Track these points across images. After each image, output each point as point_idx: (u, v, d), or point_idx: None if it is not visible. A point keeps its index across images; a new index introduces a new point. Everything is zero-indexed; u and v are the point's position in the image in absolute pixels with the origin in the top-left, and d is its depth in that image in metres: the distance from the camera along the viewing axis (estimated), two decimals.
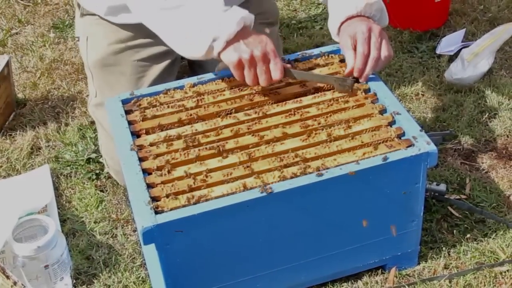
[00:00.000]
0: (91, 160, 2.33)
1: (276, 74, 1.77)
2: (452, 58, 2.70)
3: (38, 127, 2.52)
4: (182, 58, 2.44)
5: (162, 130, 1.79)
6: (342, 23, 1.90)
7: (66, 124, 2.53)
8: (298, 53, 2.00)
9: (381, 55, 1.83)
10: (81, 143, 2.42)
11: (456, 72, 2.58)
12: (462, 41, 2.77)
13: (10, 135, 2.49)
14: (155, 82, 2.14)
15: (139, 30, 2.06)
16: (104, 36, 2.15)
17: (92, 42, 2.19)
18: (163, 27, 1.85)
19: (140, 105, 1.86)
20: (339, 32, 1.91)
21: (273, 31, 2.36)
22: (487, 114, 2.44)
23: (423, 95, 2.56)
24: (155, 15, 1.83)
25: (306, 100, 1.85)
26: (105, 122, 2.13)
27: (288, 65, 1.89)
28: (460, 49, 2.70)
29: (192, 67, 2.40)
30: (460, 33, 2.80)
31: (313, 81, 1.88)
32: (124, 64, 2.15)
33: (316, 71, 1.93)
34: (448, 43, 2.76)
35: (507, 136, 2.36)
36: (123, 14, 2.08)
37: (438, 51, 2.75)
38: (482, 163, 2.27)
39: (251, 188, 1.62)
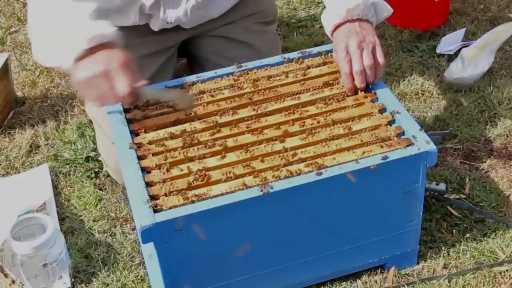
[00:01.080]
0: (90, 158, 2.33)
1: (121, 89, 1.68)
2: (452, 58, 2.70)
3: (37, 125, 2.52)
4: (180, 55, 2.45)
5: (161, 129, 1.78)
6: (333, 32, 1.90)
7: (65, 123, 2.53)
8: (298, 51, 2.00)
9: (367, 68, 1.83)
10: (80, 142, 2.41)
11: (456, 71, 2.57)
12: (462, 41, 2.76)
13: (9, 133, 2.49)
14: (152, 80, 2.14)
15: (128, 32, 2.02)
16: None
17: None
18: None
19: (138, 102, 1.85)
20: (333, 38, 1.92)
21: (271, 29, 2.36)
22: (487, 113, 2.44)
23: (423, 94, 2.55)
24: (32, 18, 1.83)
25: (305, 97, 1.85)
26: (102, 121, 2.13)
27: (142, 83, 1.76)
28: (460, 49, 2.69)
29: (191, 66, 2.39)
30: (460, 32, 2.80)
31: (162, 99, 1.84)
32: None
33: (316, 70, 1.92)
34: (448, 43, 2.75)
35: (507, 136, 2.36)
36: (116, 16, 2.05)
37: (438, 51, 2.74)
38: (482, 162, 2.26)
39: (250, 187, 1.62)
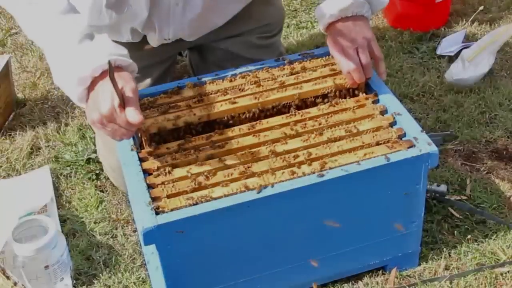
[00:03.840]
0: (91, 160, 2.33)
1: (135, 118, 1.55)
2: (452, 59, 2.70)
3: (38, 127, 2.52)
4: (180, 54, 2.44)
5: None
6: (327, 29, 1.91)
7: (66, 124, 2.53)
8: (298, 53, 2.00)
9: (365, 64, 1.84)
10: (81, 143, 2.41)
11: (457, 72, 2.58)
12: (463, 42, 2.77)
13: (10, 135, 2.49)
14: (153, 84, 2.14)
15: (125, 45, 2.04)
16: None
17: None
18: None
19: (140, 105, 1.85)
20: (328, 37, 1.92)
21: (276, 40, 2.31)
22: (487, 114, 2.44)
23: (423, 95, 2.56)
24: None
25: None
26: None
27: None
28: (461, 50, 2.70)
29: (193, 68, 2.39)
30: (461, 33, 2.81)
31: None
32: None
33: (317, 72, 1.92)
34: (448, 44, 2.76)
35: (508, 137, 2.36)
36: (110, 32, 2.01)
37: (438, 52, 2.75)
38: (483, 164, 2.26)
39: (252, 189, 1.62)
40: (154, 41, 2.03)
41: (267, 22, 2.24)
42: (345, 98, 1.87)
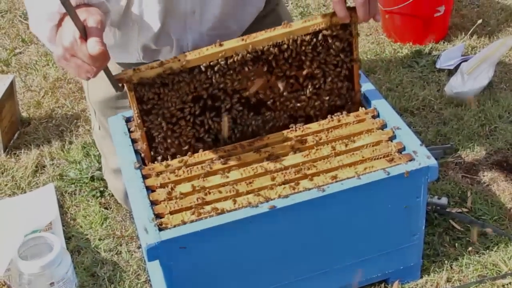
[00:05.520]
0: (95, 177, 2.35)
1: (95, 49, 1.43)
2: (452, 72, 2.72)
3: (42, 145, 2.54)
4: None
5: (145, 81, 1.70)
6: None
7: (70, 142, 2.55)
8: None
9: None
10: (85, 161, 2.43)
11: (456, 86, 2.60)
12: (462, 55, 2.79)
13: (15, 153, 2.51)
14: None
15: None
16: (104, 78, 1.72)
17: (92, 83, 1.99)
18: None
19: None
20: None
21: None
22: (487, 127, 2.46)
23: (423, 109, 2.57)
24: None
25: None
26: (109, 155, 2.14)
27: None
28: (460, 63, 2.72)
29: None
30: (459, 47, 2.83)
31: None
32: (126, 107, 1.87)
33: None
34: (447, 57, 2.78)
35: (508, 149, 2.37)
36: (117, 53, 1.93)
37: (438, 66, 2.77)
38: (483, 176, 2.28)
39: (254, 204, 1.63)
40: (169, 56, 1.91)
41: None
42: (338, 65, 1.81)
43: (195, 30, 1.91)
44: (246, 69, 1.74)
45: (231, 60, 1.72)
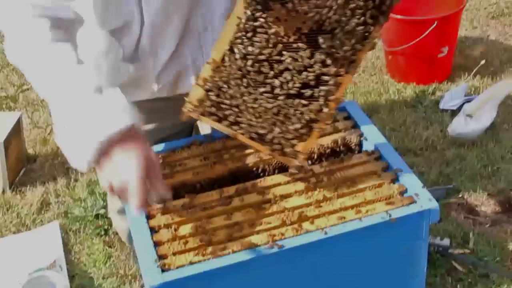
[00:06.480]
0: (99, 216, 2.37)
1: (134, 207, 1.50)
2: (455, 113, 2.74)
3: (48, 182, 2.56)
4: None
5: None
6: None
7: (76, 180, 2.57)
8: None
9: None
10: (90, 199, 2.45)
11: (459, 127, 2.61)
12: (465, 95, 2.81)
13: (20, 190, 2.53)
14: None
15: (151, 111, 1.93)
16: None
17: None
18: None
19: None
20: None
21: None
22: (490, 168, 2.47)
23: (426, 149, 2.59)
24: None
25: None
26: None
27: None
28: (463, 104, 2.74)
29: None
30: (463, 87, 2.85)
31: None
32: None
33: None
34: (451, 98, 2.80)
35: (510, 190, 2.38)
36: (131, 90, 1.83)
37: (441, 106, 2.79)
38: (486, 217, 2.28)
39: (257, 246, 1.64)
40: (186, 85, 1.87)
41: None
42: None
43: (208, 48, 1.86)
44: None
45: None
